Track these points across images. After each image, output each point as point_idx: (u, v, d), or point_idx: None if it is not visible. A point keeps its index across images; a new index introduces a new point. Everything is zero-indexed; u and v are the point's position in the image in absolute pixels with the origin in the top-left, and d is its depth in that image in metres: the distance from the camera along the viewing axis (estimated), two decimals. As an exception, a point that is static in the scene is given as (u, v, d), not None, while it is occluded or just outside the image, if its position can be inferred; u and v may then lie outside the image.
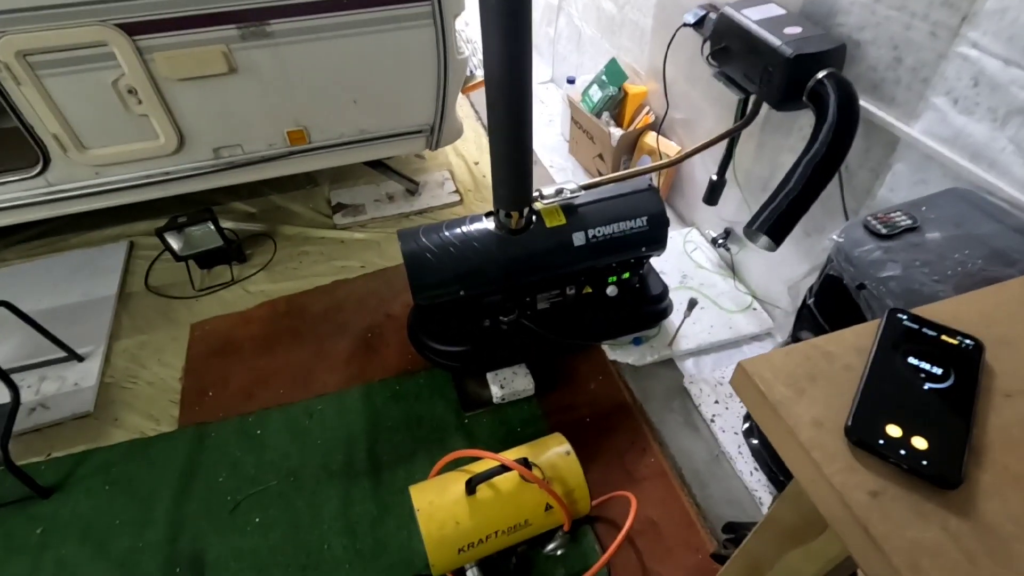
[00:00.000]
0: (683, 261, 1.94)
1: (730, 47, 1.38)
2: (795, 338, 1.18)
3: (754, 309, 1.78)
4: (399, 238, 1.43)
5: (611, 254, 1.51)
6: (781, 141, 1.55)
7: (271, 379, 1.75)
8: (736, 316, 1.76)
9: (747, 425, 1.48)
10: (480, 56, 2.24)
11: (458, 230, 1.43)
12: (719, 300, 1.81)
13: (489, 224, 1.45)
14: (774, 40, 1.23)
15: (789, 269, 1.63)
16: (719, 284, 1.85)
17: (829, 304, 1.08)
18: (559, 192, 1.45)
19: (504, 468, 1.16)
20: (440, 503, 1.17)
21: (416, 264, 1.40)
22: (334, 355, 1.81)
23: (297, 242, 2.22)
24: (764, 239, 1.16)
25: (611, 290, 1.60)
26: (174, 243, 1.97)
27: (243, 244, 2.19)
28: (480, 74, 2.07)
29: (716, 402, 1.55)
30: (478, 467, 1.21)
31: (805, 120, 1.46)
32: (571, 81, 2.41)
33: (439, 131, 2.07)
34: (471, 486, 1.15)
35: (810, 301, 1.13)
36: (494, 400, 1.60)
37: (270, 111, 1.83)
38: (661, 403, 1.59)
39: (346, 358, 1.80)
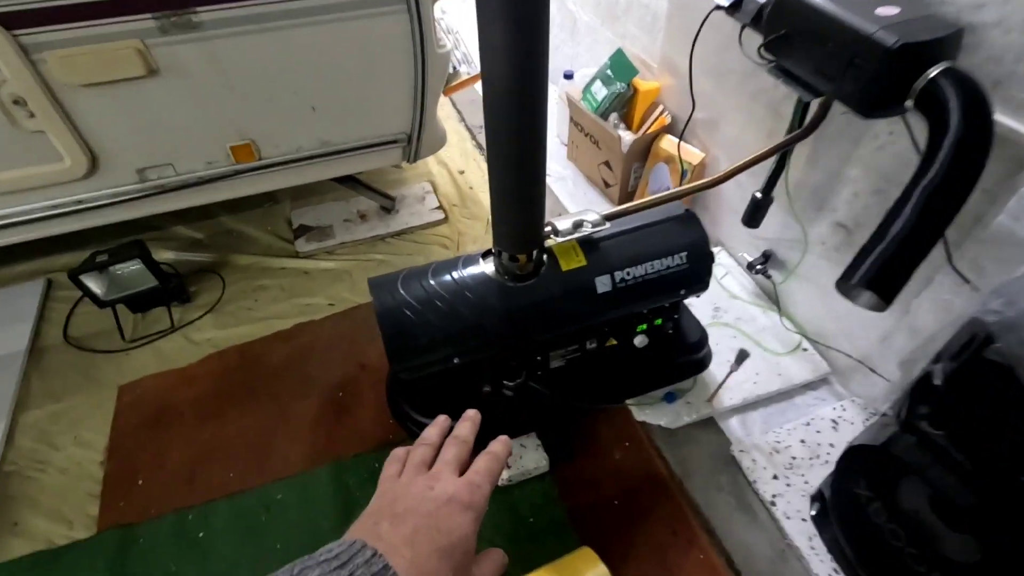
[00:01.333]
0: (714, 289, 1.64)
1: (794, 34, 1.06)
2: (908, 424, 0.88)
3: (804, 350, 1.49)
4: (371, 290, 1.09)
5: (643, 300, 1.19)
6: (847, 150, 1.24)
7: (218, 456, 1.40)
8: (784, 360, 1.47)
9: (816, 509, 1.18)
10: (464, 49, 1.90)
11: (447, 277, 1.10)
12: (762, 339, 1.51)
13: (488, 268, 1.12)
14: (866, 25, 0.92)
15: (859, 316, 1.33)
16: (759, 319, 1.56)
17: (972, 393, 0.78)
18: (578, 226, 1.13)
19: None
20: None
21: (393, 326, 1.07)
22: (297, 420, 1.47)
23: (252, 274, 1.86)
24: (867, 296, 0.85)
25: (640, 340, 1.29)
26: (95, 286, 1.60)
27: (186, 280, 1.82)
28: (465, 70, 1.73)
29: (775, 477, 1.25)
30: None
31: (881, 125, 1.16)
32: (568, 76, 2.08)
33: (418, 140, 1.73)
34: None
35: (938, 382, 0.83)
36: (499, 482, 1.29)
37: (205, 122, 1.47)
38: (706, 478, 1.29)
39: (311, 424, 1.46)
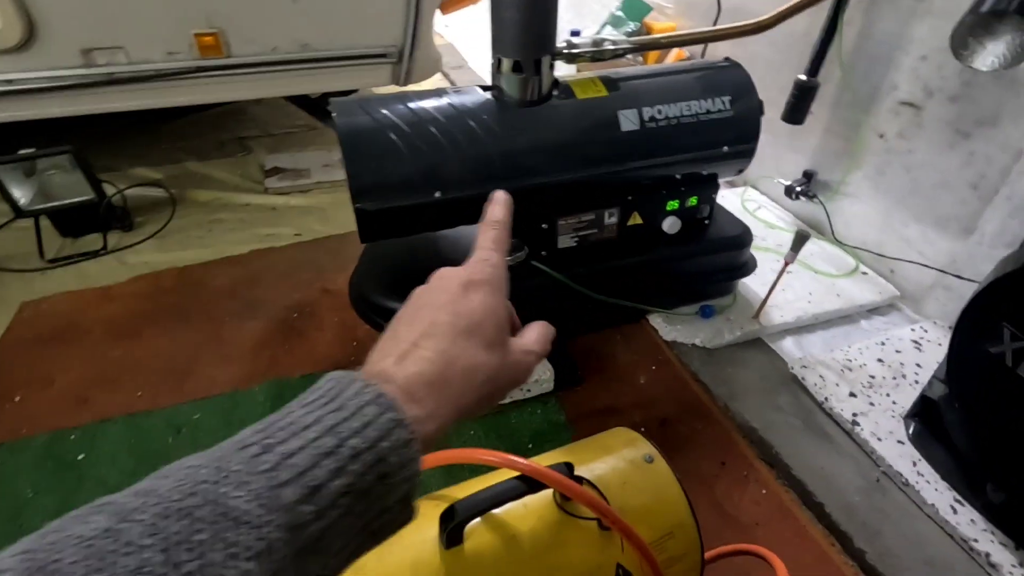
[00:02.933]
0: (749, 222, 1.39)
1: None
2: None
3: (864, 273, 1.22)
4: (332, 109, 0.85)
5: (677, 151, 0.95)
6: (910, 5, 1.06)
7: (125, 377, 1.09)
8: (841, 282, 1.20)
9: (914, 427, 0.88)
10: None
11: (438, 100, 0.87)
12: (812, 264, 1.25)
13: (486, 95, 0.89)
14: None
15: (934, 215, 1.09)
16: (806, 245, 1.30)
17: None
18: (598, 44, 0.91)
19: (524, 485, 0.52)
20: (380, 571, 0.52)
21: (361, 142, 0.82)
22: (235, 342, 1.17)
23: (211, 209, 1.61)
24: (1016, 26, 0.62)
25: (670, 223, 1.03)
26: (15, 189, 1.34)
27: (133, 212, 1.57)
28: (466, -13, 1.59)
29: (852, 395, 0.95)
30: (465, 489, 0.57)
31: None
32: (575, 34, 1.95)
33: (410, 59, 1.55)
34: (452, 530, 0.51)
35: None
36: (487, 398, 0.98)
37: (169, -2, 1.29)
38: (760, 399, 0.98)
39: (253, 347, 1.16)
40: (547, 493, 0.56)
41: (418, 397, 0.32)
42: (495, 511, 0.53)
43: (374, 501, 0.28)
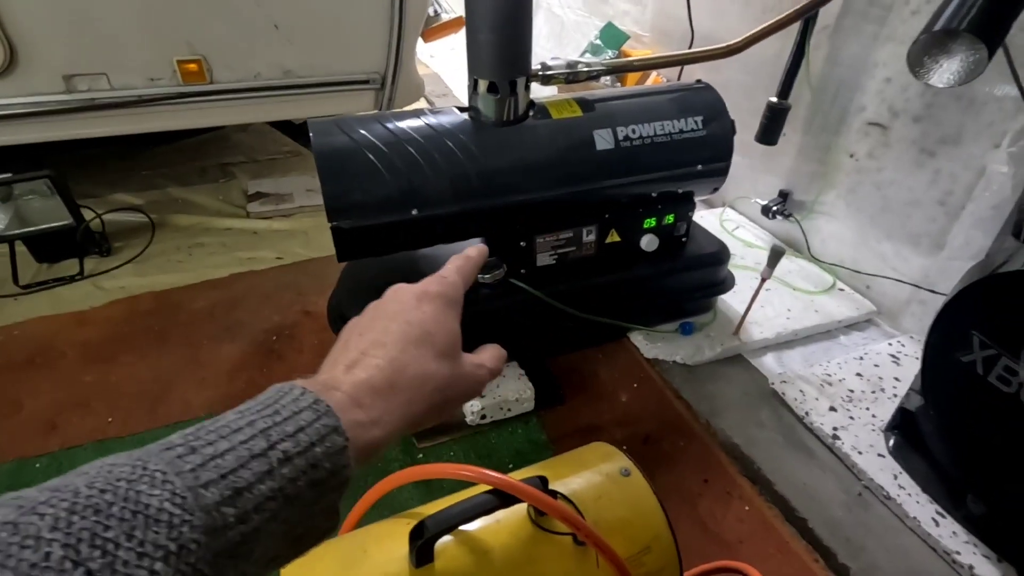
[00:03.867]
0: (728, 241, 1.41)
1: None
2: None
3: (841, 290, 1.24)
4: (310, 129, 0.86)
5: (652, 169, 0.97)
6: (873, 31, 1.10)
7: (97, 402, 1.06)
8: (820, 298, 1.21)
9: (894, 439, 0.88)
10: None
11: (415, 121, 0.88)
12: (791, 281, 1.26)
13: (463, 116, 0.90)
14: None
15: (906, 230, 1.12)
16: (783, 263, 1.31)
17: None
18: (572, 65, 0.93)
19: (497, 500, 0.51)
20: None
21: (336, 161, 0.82)
22: (212, 365, 1.15)
23: (192, 234, 1.60)
24: (968, 44, 0.64)
25: (647, 240, 1.04)
26: (-9, 213, 1.33)
27: (111, 237, 1.56)
28: (447, 16, 1.63)
29: (832, 409, 0.95)
30: (438, 506, 0.56)
31: (912, -9, 1.02)
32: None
33: (393, 85, 1.58)
34: (422, 548, 0.50)
35: None
36: (468, 419, 0.96)
37: (152, 25, 1.30)
38: (741, 415, 0.98)
39: (230, 369, 1.14)
40: (521, 508, 0.55)
41: (364, 403, 0.31)
42: (467, 527, 0.52)
43: (302, 507, 0.27)
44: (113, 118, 1.39)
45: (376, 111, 1.26)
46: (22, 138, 1.35)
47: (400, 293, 0.40)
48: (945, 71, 0.67)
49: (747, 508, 0.85)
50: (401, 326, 0.37)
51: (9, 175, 1.32)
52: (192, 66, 1.38)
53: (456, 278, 0.43)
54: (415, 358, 0.35)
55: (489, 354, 0.43)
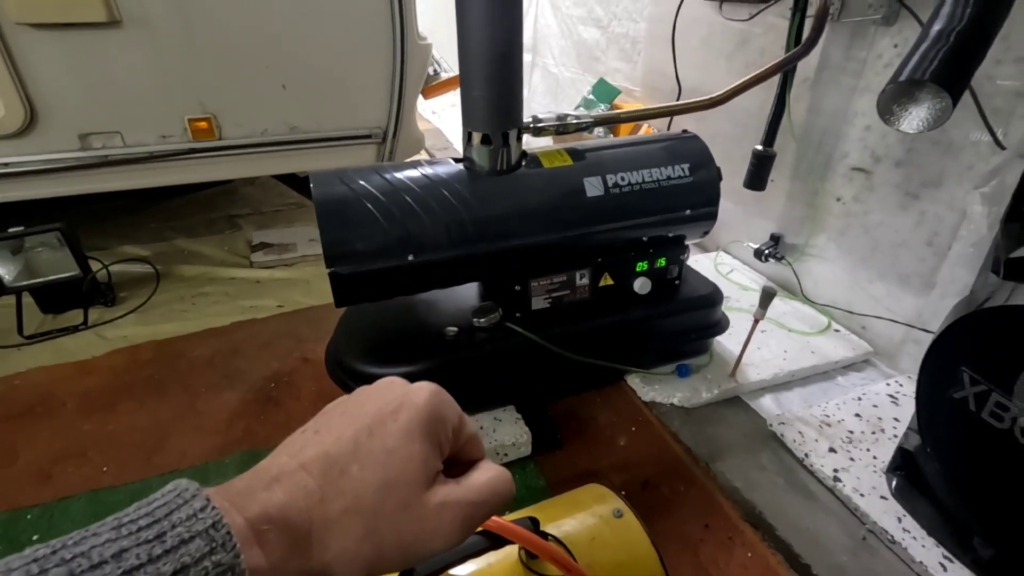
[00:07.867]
0: (722, 284, 1.43)
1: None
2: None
3: (836, 331, 1.24)
4: (311, 180, 0.90)
5: (642, 215, 1.00)
6: (850, 83, 1.15)
7: (93, 451, 1.06)
8: (816, 339, 1.22)
9: (897, 481, 0.86)
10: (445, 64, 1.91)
11: (411, 172, 0.91)
12: (785, 322, 1.27)
13: (458, 166, 0.94)
14: None
15: (897, 271, 1.14)
16: (777, 304, 1.33)
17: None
18: (562, 118, 0.97)
19: (487, 541, 0.51)
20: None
21: (335, 209, 0.86)
22: (210, 413, 1.15)
23: (196, 284, 1.63)
24: (933, 93, 0.68)
25: (640, 284, 1.06)
26: (0, 267, 1.36)
27: (117, 287, 1.59)
28: (445, 75, 1.71)
29: (832, 450, 0.94)
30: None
31: (885, 44, 1.08)
32: (552, 115, 2.07)
33: (394, 139, 1.64)
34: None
35: None
36: (464, 463, 0.95)
37: (166, 86, 1.37)
38: (741, 459, 0.97)
39: (228, 417, 1.14)
40: (512, 550, 0.54)
41: (266, 540, 0.25)
42: (457, 571, 0.52)
43: None
44: (125, 173, 1.45)
45: (386, 165, 1.31)
46: (38, 193, 1.41)
47: (385, 391, 0.32)
48: (914, 118, 0.70)
49: (750, 555, 0.83)
50: (354, 434, 0.29)
51: (22, 228, 1.36)
52: (202, 124, 1.44)
53: (463, 417, 0.34)
54: (354, 486, 0.28)
55: (484, 479, 0.32)
